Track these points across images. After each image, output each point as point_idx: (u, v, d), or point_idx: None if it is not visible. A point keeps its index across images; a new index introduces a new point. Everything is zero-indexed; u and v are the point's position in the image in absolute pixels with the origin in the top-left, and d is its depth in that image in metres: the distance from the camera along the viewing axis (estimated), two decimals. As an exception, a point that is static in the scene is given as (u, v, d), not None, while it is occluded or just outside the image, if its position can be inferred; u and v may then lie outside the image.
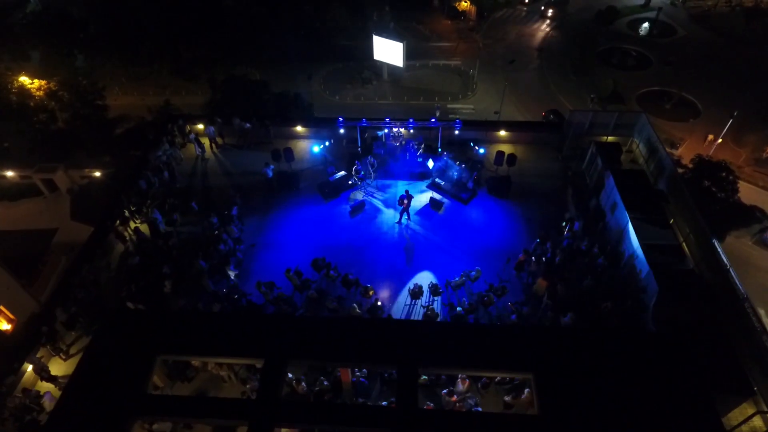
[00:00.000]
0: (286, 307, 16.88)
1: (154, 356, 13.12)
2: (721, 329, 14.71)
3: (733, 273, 15.62)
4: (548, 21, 51.73)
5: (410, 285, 17.81)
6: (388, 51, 43.17)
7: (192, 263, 17.89)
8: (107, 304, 17.14)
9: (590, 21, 55.55)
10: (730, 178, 27.67)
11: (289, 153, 22.38)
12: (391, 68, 45.12)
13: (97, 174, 34.41)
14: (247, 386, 14.66)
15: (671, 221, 18.38)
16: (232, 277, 17.95)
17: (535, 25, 55.29)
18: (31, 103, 35.74)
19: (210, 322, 14.27)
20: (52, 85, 36.71)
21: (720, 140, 36.69)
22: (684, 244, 17.74)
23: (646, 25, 54.84)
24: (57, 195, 33.33)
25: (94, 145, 36.03)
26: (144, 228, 20.16)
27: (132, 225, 20.15)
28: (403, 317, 17.23)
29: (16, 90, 35.54)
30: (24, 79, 37.54)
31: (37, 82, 37.68)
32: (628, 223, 17.48)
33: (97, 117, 37.28)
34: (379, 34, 43.35)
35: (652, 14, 55.44)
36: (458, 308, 16.46)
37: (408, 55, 43.39)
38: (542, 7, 53.67)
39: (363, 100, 44.37)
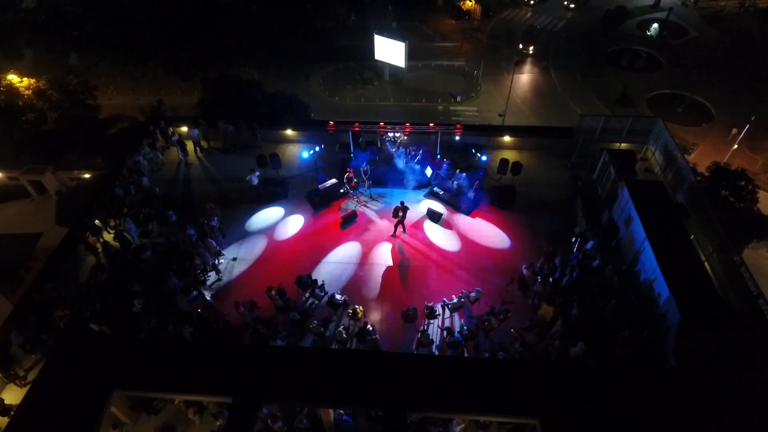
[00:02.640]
0: (265, 330, 15.31)
1: (109, 391, 11.64)
2: (753, 366, 13.01)
3: (764, 300, 13.96)
4: (531, 58, 46.80)
5: (404, 306, 16.19)
6: (389, 51, 42.04)
7: (165, 280, 16.34)
8: (72, 325, 15.62)
9: (598, 22, 54.08)
10: (750, 187, 26.10)
11: (275, 159, 20.84)
12: (393, 69, 43.97)
13: (87, 176, 33.22)
14: (218, 423, 13.10)
15: (692, 238, 16.71)
16: (208, 296, 16.38)
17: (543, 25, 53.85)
18: (20, 103, 34.58)
19: (174, 352, 12.74)
20: (41, 84, 35.51)
21: (736, 146, 35.02)
22: (707, 264, 16.07)
23: (655, 25, 53.19)
24: (46, 197, 32.26)
25: (85, 146, 35.01)
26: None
27: (105, 236, 18.64)
28: (394, 343, 15.63)
29: (4, 89, 34.34)
30: (13, 78, 36.34)
31: (26, 81, 36.46)
32: (644, 240, 15.84)
33: (88, 117, 36.20)
34: (381, 34, 42.15)
35: (662, 15, 53.83)
36: (456, 334, 14.84)
37: (410, 55, 42.22)
38: (520, 46, 47.44)
39: (363, 102, 43.14)
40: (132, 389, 12.04)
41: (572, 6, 55.59)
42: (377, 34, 42.02)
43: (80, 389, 11.68)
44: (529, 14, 56.51)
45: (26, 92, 35.38)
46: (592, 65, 46.25)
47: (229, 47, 44.92)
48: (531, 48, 46.30)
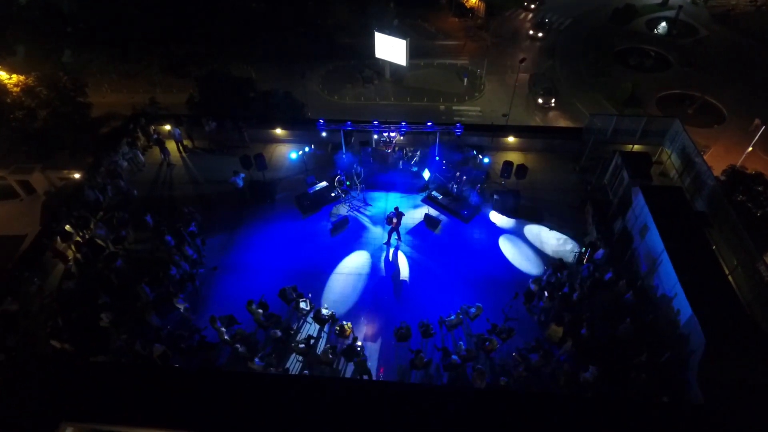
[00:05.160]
0: (244, 349, 13.91)
1: (57, 423, 10.28)
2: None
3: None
4: (550, 107, 39.66)
5: (397, 323, 14.76)
6: (390, 49, 40.78)
7: (137, 291, 14.98)
8: (35, 342, 14.29)
9: (606, 20, 52.62)
10: (768, 192, 24.63)
11: (260, 160, 19.47)
12: (394, 67, 42.63)
13: (77, 176, 32.07)
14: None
15: (714, 249, 15.22)
16: (182, 310, 14.95)
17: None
18: (8, 100, 33.49)
19: (134, 378, 11.37)
20: (29, 80, 34.39)
21: (750, 148, 33.49)
22: (731, 278, 14.58)
23: (664, 24, 51.70)
24: (34, 198, 31.21)
25: (75, 145, 33.85)
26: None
27: (76, 242, 17.28)
28: (386, 364, 14.22)
29: (-8, 86, 33.29)
30: (1, 74, 35.27)
31: (15, 78, 35.36)
32: (662, 251, 14.36)
33: (79, 115, 35.03)
34: (382, 31, 40.84)
35: (671, 13, 52.40)
36: (453, 356, 13.41)
37: (412, 53, 40.92)
38: (540, 101, 39.37)
39: (363, 101, 41.83)
40: (84, 421, 10.64)
41: (540, 34, 50.32)
42: (378, 31, 40.81)
43: (26, 421, 10.34)
44: (531, 16, 55.14)
45: (14, 89, 34.32)
46: (600, 64, 44.76)
47: (226, 45, 43.84)
48: (553, 101, 39.18)
